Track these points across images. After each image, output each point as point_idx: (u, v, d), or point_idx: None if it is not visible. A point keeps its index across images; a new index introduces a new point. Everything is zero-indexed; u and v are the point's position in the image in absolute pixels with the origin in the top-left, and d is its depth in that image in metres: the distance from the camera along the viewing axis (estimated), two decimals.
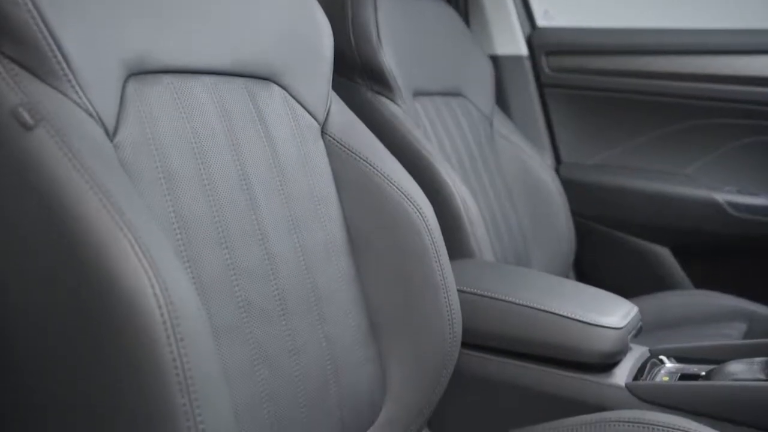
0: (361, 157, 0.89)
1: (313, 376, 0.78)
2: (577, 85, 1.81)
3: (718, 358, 1.02)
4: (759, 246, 1.62)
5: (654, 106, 1.75)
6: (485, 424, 1.02)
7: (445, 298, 0.87)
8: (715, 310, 1.44)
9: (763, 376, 0.92)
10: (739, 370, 0.95)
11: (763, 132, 1.66)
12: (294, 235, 0.80)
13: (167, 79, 0.72)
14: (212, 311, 0.69)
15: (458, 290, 0.93)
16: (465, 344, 1.02)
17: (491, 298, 1.02)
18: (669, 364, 1.05)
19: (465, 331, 0.98)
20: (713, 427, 0.81)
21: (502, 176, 1.58)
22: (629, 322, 1.00)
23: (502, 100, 1.81)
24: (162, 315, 0.54)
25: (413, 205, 0.87)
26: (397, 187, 0.87)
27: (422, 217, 0.87)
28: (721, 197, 1.64)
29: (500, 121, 1.67)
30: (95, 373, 0.55)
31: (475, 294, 1.03)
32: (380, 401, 0.88)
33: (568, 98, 1.83)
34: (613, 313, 1.00)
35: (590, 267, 1.77)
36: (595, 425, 0.83)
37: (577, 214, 1.75)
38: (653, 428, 0.81)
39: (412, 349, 0.87)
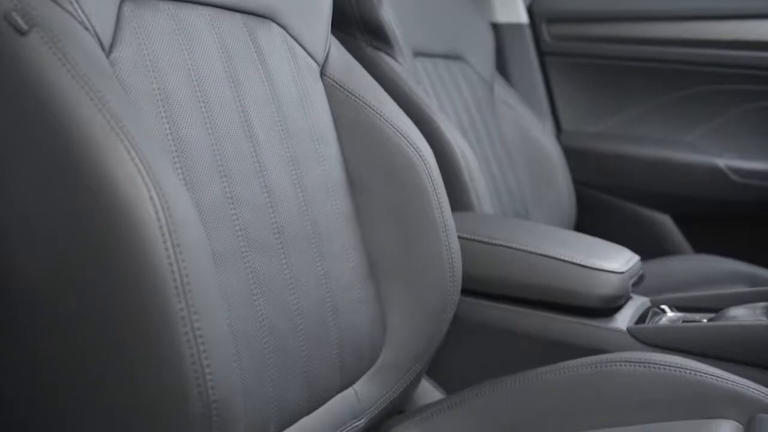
0: (360, 99, 0.88)
1: (312, 311, 0.78)
2: (577, 53, 1.80)
3: (718, 306, 1.02)
4: (761, 211, 1.61)
5: (655, 73, 1.74)
6: (485, 370, 1.01)
7: (445, 240, 0.86)
8: (716, 274, 1.43)
9: (765, 318, 0.92)
10: (741, 313, 0.94)
11: (765, 98, 1.65)
12: (293, 171, 0.80)
13: (164, 5, 0.71)
14: (210, 237, 0.68)
15: (458, 237, 0.92)
16: (465, 291, 1.01)
17: (491, 244, 1.01)
18: (670, 313, 1.04)
19: (465, 277, 0.98)
20: (716, 366, 0.81)
21: (502, 141, 1.57)
22: (630, 268, 1.00)
23: (502, 68, 1.80)
24: (159, 221, 0.53)
25: (412, 146, 0.86)
26: (396, 129, 0.87)
27: (422, 158, 0.86)
28: (722, 163, 1.63)
29: (501, 87, 1.66)
30: (90, 280, 0.54)
31: (475, 240, 1.02)
32: (380, 343, 0.87)
33: (568, 66, 1.82)
34: (614, 259, 0.99)
35: (590, 234, 1.76)
36: (596, 366, 0.83)
37: (577, 181, 1.74)
38: (655, 367, 0.80)
39: (411, 291, 0.87)
